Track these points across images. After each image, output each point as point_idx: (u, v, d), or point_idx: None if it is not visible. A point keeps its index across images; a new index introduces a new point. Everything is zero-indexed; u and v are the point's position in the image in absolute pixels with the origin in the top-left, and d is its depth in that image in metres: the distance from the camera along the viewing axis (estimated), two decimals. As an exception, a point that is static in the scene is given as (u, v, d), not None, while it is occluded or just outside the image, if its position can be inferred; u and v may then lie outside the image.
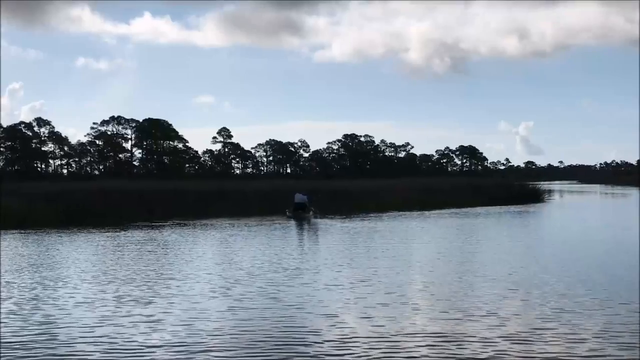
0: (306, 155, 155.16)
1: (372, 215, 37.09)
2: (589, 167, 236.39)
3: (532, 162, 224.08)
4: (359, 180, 68.38)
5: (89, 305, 12.01)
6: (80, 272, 16.11)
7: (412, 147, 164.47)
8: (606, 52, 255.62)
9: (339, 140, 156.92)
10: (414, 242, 23.30)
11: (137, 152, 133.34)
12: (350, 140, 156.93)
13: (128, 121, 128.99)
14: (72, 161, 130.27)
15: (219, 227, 29.51)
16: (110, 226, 29.33)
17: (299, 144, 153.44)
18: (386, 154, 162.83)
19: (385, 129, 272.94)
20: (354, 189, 49.30)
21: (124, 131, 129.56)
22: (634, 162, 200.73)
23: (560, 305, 11.63)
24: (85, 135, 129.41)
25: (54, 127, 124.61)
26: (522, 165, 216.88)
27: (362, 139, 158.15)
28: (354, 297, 12.63)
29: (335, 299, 12.41)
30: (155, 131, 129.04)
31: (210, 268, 16.77)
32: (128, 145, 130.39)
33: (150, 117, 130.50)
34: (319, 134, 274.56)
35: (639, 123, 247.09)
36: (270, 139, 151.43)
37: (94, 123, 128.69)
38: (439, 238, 24.72)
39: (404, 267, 16.71)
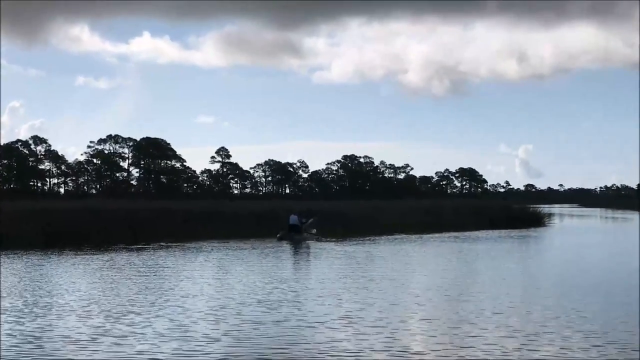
0: (305, 175, 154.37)
1: (368, 238, 36.00)
2: (589, 190, 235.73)
3: (532, 185, 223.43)
4: (358, 202, 67.19)
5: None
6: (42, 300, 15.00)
7: (412, 168, 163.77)
8: (605, 75, 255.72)
9: (338, 161, 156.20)
10: (410, 271, 22.13)
11: (135, 171, 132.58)
12: (349, 161, 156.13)
13: (125, 140, 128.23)
14: (69, 180, 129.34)
15: (205, 250, 28.20)
16: (91, 249, 28.04)
17: (298, 164, 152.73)
18: (385, 175, 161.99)
19: (384, 150, 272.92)
20: (352, 211, 48.17)
21: (121, 150, 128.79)
22: (634, 186, 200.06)
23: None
24: (82, 154, 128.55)
25: (50, 145, 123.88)
26: (522, 188, 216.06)
27: (362, 160, 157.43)
28: (342, 338, 11.57)
29: (321, 341, 11.32)
30: (152, 150, 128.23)
31: (181, 302, 15.60)
32: (125, 164, 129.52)
33: (150, 136, 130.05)
34: (318, 154, 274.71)
35: (639, 147, 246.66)
36: (269, 159, 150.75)
37: (90, 142, 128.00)
38: (440, 269, 23.57)
39: (398, 300, 15.59)
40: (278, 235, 35.32)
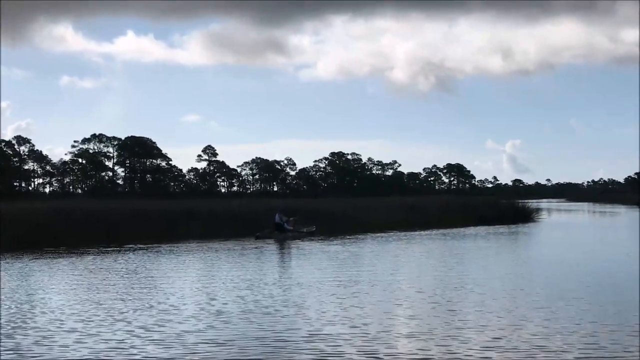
0: (293, 173, 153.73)
1: (355, 236, 35.26)
2: (576, 185, 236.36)
3: (519, 180, 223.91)
4: (346, 199, 66.60)
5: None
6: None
7: (400, 165, 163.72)
8: (590, 70, 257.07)
9: (325, 158, 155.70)
10: (395, 272, 21.41)
11: (120, 171, 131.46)
12: (337, 158, 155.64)
13: (110, 139, 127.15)
14: (54, 180, 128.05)
15: (180, 251, 27.02)
16: (62, 251, 26.73)
17: (285, 162, 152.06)
18: (373, 172, 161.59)
19: (372, 147, 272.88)
20: (339, 208, 47.41)
21: (105, 149, 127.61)
22: (622, 180, 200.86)
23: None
24: (66, 154, 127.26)
25: (34, 146, 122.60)
26: (510, 183, 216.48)
27: (349, 157, 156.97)
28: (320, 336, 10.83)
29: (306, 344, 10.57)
30: (137, 149, 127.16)
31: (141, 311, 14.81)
32: (110, 164, 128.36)
33: (136, 135, 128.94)
34: (306, 152, 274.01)
35: (638, 141, 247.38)
36: (256, 157, 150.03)
37: (75, 141, 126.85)
38: (427, 267, 22.91)
39: (381, 302, 14.84)
40: (257, 234, 34.57)
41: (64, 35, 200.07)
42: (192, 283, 17.77)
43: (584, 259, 23.86)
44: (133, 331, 11.56)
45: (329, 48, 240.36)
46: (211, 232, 34.58)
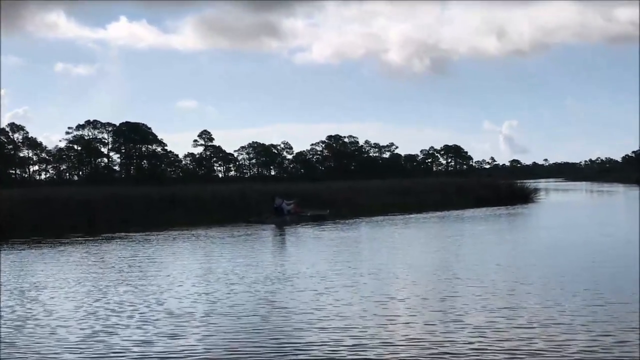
0: (290, 157, 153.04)
1: (352, 220, 34.92)
2: (574, 164, 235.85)
3: (517, 160, 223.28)
4: (344, 182, 66.27)
5: None
6: None
7: (397, 147, 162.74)
8: (585, 49, 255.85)
9: (322, 142, 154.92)
10: (395, 259, 21.07)
11: (116, 157, 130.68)
12: (334, 142, 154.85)
13: (104, 125, 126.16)
14: (50, 167, 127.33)
15: (161, 240, 26.07)
16: (31, 242, 25.53)
17: (282, 145, 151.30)
18: (371, 154, 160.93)
19: (369, 130, 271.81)
20: (336, 192, 46.98)
21: (100, 135, 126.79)
22: (619, 159, 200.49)
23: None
24: (60, 140, 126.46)
25: (28, 133, 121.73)
26: (508, 163, 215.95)
27: (346, 139, 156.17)
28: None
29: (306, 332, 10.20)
30: (133, 135, 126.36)
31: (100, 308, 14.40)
32: (105, 150, 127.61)
33: (132, 121, 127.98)
34: (302, 136, 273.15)
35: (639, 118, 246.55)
36: (253, 142, 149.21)
37: (69, 127, 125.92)
38: (426, 253, 22.56)
39: (379, 290, 14.48)
40: (250, 219, 34.19)
41: (57, 22, 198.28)
42: (171, 276, 17.23)
43: (587, 242, 23.53)
44: (108, 328, 11.19)
45: (322, 31, 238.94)
46: (200, 217, 34.06)
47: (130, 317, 11.74)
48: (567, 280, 14.63)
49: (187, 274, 16.87)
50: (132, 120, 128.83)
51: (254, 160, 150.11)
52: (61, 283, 15.70)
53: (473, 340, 9.73)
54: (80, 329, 10.94)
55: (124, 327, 11.04)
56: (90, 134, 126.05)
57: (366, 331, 10.36)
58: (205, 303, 12.86)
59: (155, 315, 11.86)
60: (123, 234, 28.53)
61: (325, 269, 17.06)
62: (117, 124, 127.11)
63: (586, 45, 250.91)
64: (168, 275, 16.63)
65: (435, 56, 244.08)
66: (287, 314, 11.74)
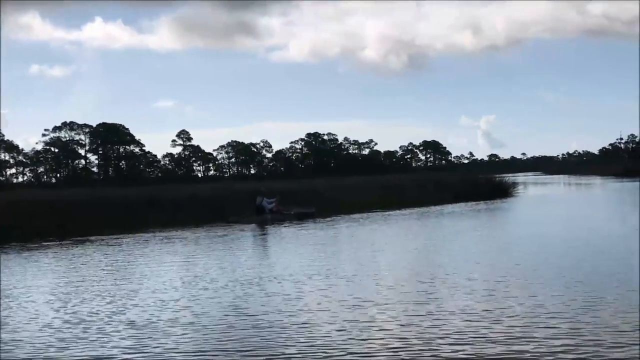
0: (269, 155, 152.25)
1: (332, 218, 34.34)
2: (551, 157, 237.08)
3: (495, 155, 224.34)
4: (323, 179, 65.68)
5: None
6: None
7: (376, 144, 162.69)
8: (559, 44, 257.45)
9: (301, 139, 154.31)
10: (377, 258, 20.50)
11: (94, 158, 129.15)
12: (313, 139, 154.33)
13: (81, 127, 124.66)
14: (27, 170, 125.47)
15: (133, 243, 25.21)
16: (3, 247, 24.82)
17: (262, 144, 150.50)
18: (350, 151, 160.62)
19: (347, 127, 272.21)
20: (315, 189, 46.36)
21: (77, 137, 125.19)
22: (596, 152, 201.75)
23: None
24: (37, 143, 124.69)
25: (4, 136, 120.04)
26: (486, 158, 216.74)
27: (325, 137, 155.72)
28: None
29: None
30: (110, 136, 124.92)
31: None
32: (83, 152, 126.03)
33: (109, 122, 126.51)
34: (281, 134, 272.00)
35: (639, 112, 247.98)
36: (232, 140, 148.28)
37: (45, 129, 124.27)
38: (407, 251, 22.03)
39: (360, 291, 13.88)
40: (230, 218, 33.49)
41: (31, 24, 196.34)
42: (137, 282, 16.54)
43: (567, 238, 23.14)
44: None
45: (298, 29, 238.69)
46: (179, 218, 33.13)
47: (87, 329, 10.99)
48: (550, 277, 14.13)
49: (155, 279, 16.10)
50: (110, 121, 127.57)
51: (233, 160, 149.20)
52: (19, 292, 14.88)
53: (454, 348, 9.17)
54: (31, 344, 10.19)
55: (78, 340, 10.27)
56: (67, 135, 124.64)
57: (334, 340, 9.74)
58: (169, 311, 12.13)
59: (115, 326, 11.12)
60: (95, 237, 27.61)
61: (300, 271, 16.39)
62: (94, 125, 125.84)
63: (561, 39, 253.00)
64: (134, 282, 15.86)
65: (411, 52, 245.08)
66: (254, 321, 11.07)
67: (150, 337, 10.23)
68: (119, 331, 10.74)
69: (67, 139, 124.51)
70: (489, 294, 12.60)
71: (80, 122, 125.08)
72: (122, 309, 12.55)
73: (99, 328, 11.01)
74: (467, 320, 10.53)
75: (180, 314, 11.92)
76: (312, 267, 16.90)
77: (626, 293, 12.16)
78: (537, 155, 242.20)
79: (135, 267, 18.52)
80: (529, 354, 8.71)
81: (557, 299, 11.81)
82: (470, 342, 9.31)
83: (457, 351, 8.95)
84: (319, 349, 9.28)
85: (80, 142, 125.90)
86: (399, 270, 16.40)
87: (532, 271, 15.06)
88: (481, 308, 11.37)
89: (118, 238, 27.06)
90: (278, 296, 13.19)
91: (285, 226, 30.68)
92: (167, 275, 16.60)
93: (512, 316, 10.69)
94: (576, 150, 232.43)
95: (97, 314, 12.15)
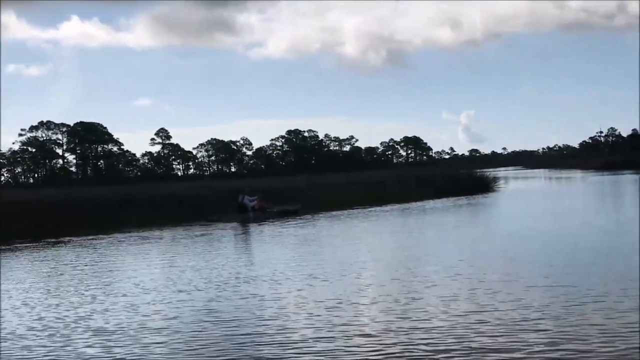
0: (249, 153, 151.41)
1: (313, 216, 33.87)
2: (532, 152, 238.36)
3: (476, 150, 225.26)
4: (305, 176, 65.22)
5: None
6: None
7: (357, 140, 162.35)
8: (538, 38, 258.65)
9: (282, 137, 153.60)
10: (358, 256, 20.07)
11: (72, 158, 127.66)
12: (293, 136, 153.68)
13: (58, 126, 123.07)
14: (4, 170, 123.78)
15: (108, 243, 24.64)
16: None
17: (242, 142, 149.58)
18: (331, 148, 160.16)
19: (328, 124, 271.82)
20: (295, 187, 45.87)
21: (54, 137, 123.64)
22: (576, 145, 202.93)
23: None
24: (14, 143, 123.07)
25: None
26: (467, 153, 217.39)
27: (306, 134, 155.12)
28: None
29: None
30: (88, 135, 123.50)
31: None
32: (60, 151, 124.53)
33: (86, 121, 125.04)
34: (262, 131, 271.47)
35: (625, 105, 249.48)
36: (211, 139, 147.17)
37: (22, 129, 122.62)
38: (389, 249, 21.63)
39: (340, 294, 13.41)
40: (210, 217, 32.92)
41: (7, 23, 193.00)
42: (109, 284, 15.99)
43: (549, 232, 22.85)
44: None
45: (277, 26, 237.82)
46: (158, 218, 32.56)
47: (52, 335, 10.43)
48: (533, 274, 13.76)
49: (127, 281, 15.55)
50: (87, 120, 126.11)
51: (213, 158, 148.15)
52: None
53: (435, 348, 8.74)
54: (-10, 353, 9.65)
55: (41, 348, 9.74)
56: (44, 135, 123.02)
57: (309, 344, 9.26)
58: (139, 316, 11.60)
59: (81, 333, 10.54)
60: (70, 238, 27.00)
61: (278, 271, 15.86)
62: (72, 124, 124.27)
63: (539, 34, 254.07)
64: (105, 284, 15.28)
65: (390, 48, 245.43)
66: (228, 326, 10.55)
67: (118, 344, 9.71)
68: (85, 338, 10.18)
69: (45, 138, 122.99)
70: (472, 293, 12.17)
71: (57, 121, 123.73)
72: (90, 313, 11.99)
73: (64, 335, 10.45)
74: (448, 321, 10.10)
75: (150, 318, 11.38)
76: (290, 268, 16.42)
77: (608, 283, 11.82)
78: (517, 149, 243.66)
79: (108, 269, 17.91)
80: (510, 355, 8.31)
81: (539, 295, 11.42)
82: (452, 343, 8.89)
83: (438, 351, 8.52)
84: (293, 354, 8.81)
85: (58, 141, 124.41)
86: (379, 270, 15.97)
87: (513, 266, 14.70)
88: (463, 308, 10.95)
89: (94, 239, 26.45)
90: (254, 298, 12.69)
91: (266, 224, 30.16)
92: (140, 278, 16.03)
93: (496, 314, 10.28)
94: (556, 144, 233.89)
95: (63, 319, 11.59)
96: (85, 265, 18.86)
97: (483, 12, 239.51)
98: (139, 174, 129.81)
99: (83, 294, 14.06)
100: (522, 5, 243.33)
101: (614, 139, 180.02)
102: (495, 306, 10.89)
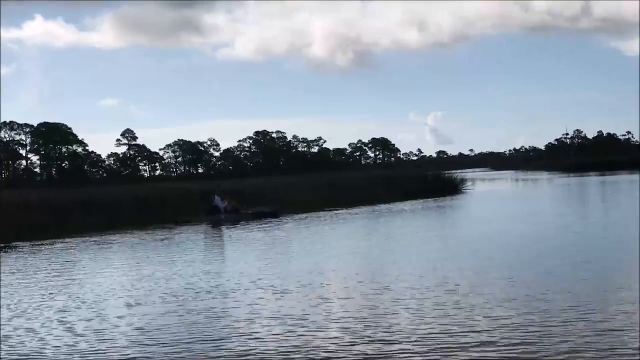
0: (217, 154, 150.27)
1: (281, 218, 33.32)
2: (499, 153, 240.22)
3: (443, 151, 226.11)
4: (273, 178, 64.51)
5: None
6: None
7: (325, 141, 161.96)
8: (504, 40, 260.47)
9: (250, 138, 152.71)
10: (316, 268, 19.59)
11: (36, 159, 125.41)
12: (261, 137, 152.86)
13: (22, 126, 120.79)
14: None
15: (61, 249, 23.75)
16: None
17: (209, 142, 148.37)
18: (299, 149, 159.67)
19: (296, 125, 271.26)
20: (266, 188, 45.29)
21: (18, 137, 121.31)
22: (542, 147, 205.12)
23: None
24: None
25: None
26: (434, 155, 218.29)
27: (274, 135, 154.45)
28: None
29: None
30: (52, 136, 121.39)
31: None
32: (24, 152, 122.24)
33: (51, 122, 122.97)
34: (229, 132, 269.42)
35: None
36: (178, 139, 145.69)
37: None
38: (357, 252, 21.19)
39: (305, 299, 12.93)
40: (176, 220, 32.18)
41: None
42: (53, 296, 15.20)
43: (519, 234, 22.63)
44: None
45: (244, 27, 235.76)
46: (121, 221, 31.58)
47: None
48: (504, 282, 13.43)
49: (75, 293, 14.63)
50: (52, 121, 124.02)
51: (180, 159, 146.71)
52: None
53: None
54: None
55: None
56: (6, 135, 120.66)
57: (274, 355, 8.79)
58: (83, 332, 10.82)
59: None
60: (22, 242, 25.94)
61: (241, 278, 15.34)
62: (35, 125, 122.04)
63: (505, 36, 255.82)
64: (48, 298, 14.28)
65: (358, 49, 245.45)
66: (185, 339, 10.00)
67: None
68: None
69: (8, 139, 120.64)
70: (439, 300, 11.77)
71: (21, 121, 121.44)
72: (33, 330, 11.30)
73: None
74: (418, 329, 9.68)
75: (90, 338, 10.47)
76: (254, 274, 15.88)
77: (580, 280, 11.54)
78: (484, 151, 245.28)
79: (57, 279, 16.82)
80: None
81: (510, 300, 11.08)
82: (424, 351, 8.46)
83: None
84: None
85: (21, 142, 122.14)
86: (346, 276, 15.49)
87: (482, 269, 14.37)
88: (433, 314, 10.55)
89: (51, 243, 25.53)
90: (216, 309, 12.13)
91: (239, 227, 29.54)
92: (89, 287, 15.22)
93: (465, 320, 9.89)
94: (523, 146, 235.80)
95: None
96: (33, 275, 17.79)
97: (450, 13, 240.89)
98: (104, 175, 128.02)
99: (28, 309, 13.29)
100: (489, 7, 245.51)
101: (579, 140, 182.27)
102: (461, 317, 10.48)
